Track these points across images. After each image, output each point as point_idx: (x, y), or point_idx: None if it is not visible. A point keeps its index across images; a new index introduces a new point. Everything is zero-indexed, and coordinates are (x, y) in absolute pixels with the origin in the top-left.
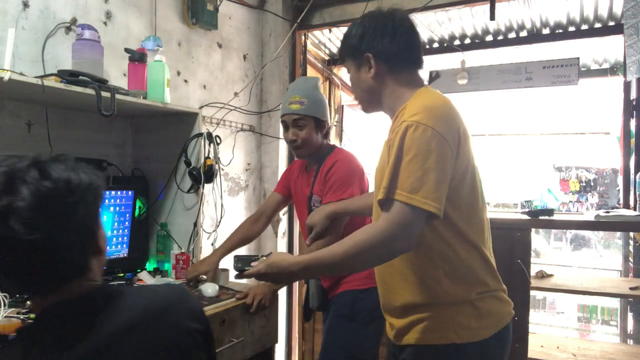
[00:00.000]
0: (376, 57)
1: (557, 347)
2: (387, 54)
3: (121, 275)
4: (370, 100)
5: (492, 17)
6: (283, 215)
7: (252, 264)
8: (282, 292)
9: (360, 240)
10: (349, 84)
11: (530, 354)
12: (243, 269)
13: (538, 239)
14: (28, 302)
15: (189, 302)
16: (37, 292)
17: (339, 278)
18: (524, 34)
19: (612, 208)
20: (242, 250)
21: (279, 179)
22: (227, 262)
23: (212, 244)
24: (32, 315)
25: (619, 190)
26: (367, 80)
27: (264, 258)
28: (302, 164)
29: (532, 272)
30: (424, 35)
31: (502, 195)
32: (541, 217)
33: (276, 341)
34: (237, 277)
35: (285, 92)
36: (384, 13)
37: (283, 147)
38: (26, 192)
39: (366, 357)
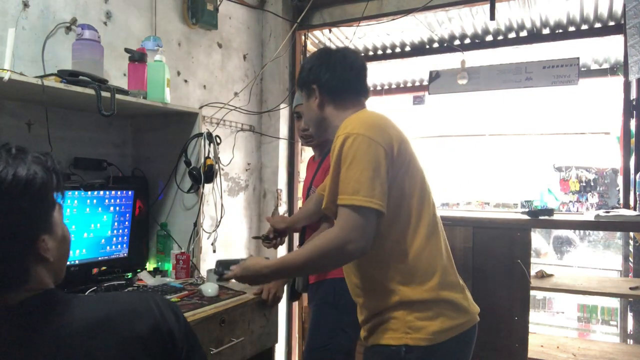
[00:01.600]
0: (320, 88)
1: (557, 347)
2: (328, 85)
3: (121, 275)
4: (318, 127)
5: (492, 17)
6: (283, 215)
7: (232, 267)
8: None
9: (318, 245)
10: None
11: (530, 354)
12: (222, 272)
13: (538, 239)
14: None
15: (143, 315)
16: None
17: None
18: (524, 34)
19: (612, 208)
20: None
21: (279, 178)
22: None
23: (212, 244)
24: None
25: (619, 190)
26: (314, 109)
27: (243, 262)
28: (313, 155)
29: (532, 272)
30: (424, 35)
31: (502, 195)
32: (541, 217)
33: (276, 341)
34: (217, 280)
35: (286, 92)
36: (331, 50)
37: (283, 147)
38: None
39: (349, 344)
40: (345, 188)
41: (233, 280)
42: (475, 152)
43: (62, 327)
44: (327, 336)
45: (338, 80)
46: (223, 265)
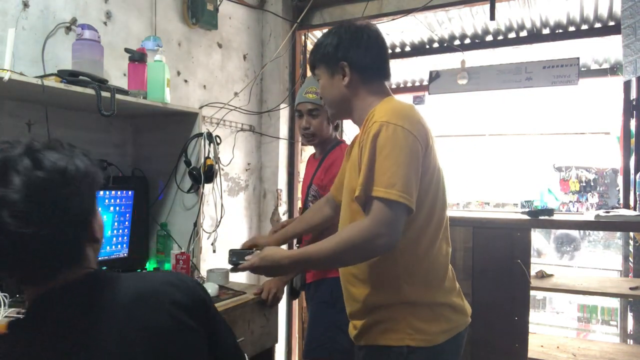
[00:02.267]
0: (351, 66)
1: (557, 347)
2: (361, 64)
3: None
4: (340, 107)
5: (492, 17)
6: (283, 215)
7: (246, 257)
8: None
9: (345, 238)
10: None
11: (530, 354)
12: (237, 262)
13: (539, 238)
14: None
15: (182, 284)
16: (29, 282)
17: None
18: (524, 34)
19: (612, 208)
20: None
21: (279, 178)
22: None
23: (212, 244)
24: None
25: (619, 190)
26: (340, 87)
27: (259, 252)
28: (314, 152)
29: (532, 272)
30: (424, 35)
31: (502, 195)
32: (541, 217)
33: (276, 341)
34: (232, 270)
35: (286, 92)
36: (359, 25)
37: (283, 147)
38: (18, 183)
39: (346, 342)
40: (381, 179)
41: (231, 280)
42: (475, 152)
43: (117, 298)
44: (325, 335)
45: (371, 59)
46: (237, 255)
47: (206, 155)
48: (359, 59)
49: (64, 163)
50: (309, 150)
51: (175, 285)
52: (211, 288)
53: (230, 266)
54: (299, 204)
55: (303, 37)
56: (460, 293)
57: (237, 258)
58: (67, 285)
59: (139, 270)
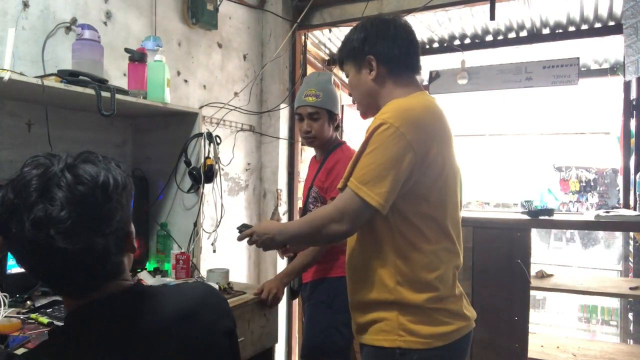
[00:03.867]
0: (378, 60)
1: (557, 347)
2: (388, 57)
3: None
4: (369, 103)
5: (492, 17)
6: (283, 215)
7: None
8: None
9: (312, 218)
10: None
11: (530, 354)
12: (242, 230)
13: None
14: (28, 302)
15: (220, 301)
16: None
17: (316, 263)
18: (524, 34)
19: (612, 208)
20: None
21: (279, 178)
22: (225, 264)
23: (212, 244)
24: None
25: (619, 190)
26: (368, 82)
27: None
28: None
29: (532, 272)
30: (424, 35)
31: (502, 195)
32: (541, 217)
33: (276, 341)
34: (238, 239)
35: (286, 92)
36: (385, 19)
37: (283, 147)
38: (62, 198)
39: (342, 342)
40: (358, 174)
41: (231, 279)
42: (475, 152)
43: (157, 314)
44: (322, 335)
45: (399, 51)
46: (245, 227)
47: (206, 155)
48: (386, 52)
49: (102, 177)
50: (309, 150)
51: (213, 305)
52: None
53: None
54: (299, 204)
55: (303, 37)
56: (463, 298)
57: (244, 228)
58: (108, 298)
59: (139, 271)
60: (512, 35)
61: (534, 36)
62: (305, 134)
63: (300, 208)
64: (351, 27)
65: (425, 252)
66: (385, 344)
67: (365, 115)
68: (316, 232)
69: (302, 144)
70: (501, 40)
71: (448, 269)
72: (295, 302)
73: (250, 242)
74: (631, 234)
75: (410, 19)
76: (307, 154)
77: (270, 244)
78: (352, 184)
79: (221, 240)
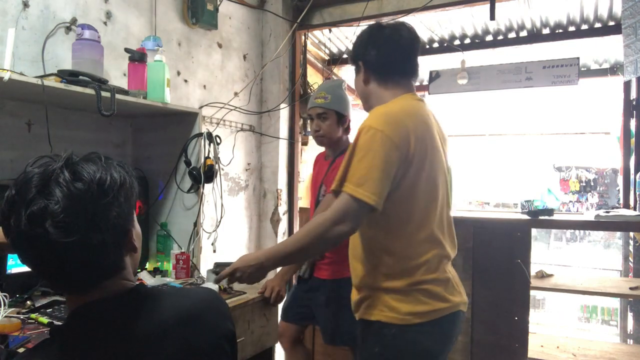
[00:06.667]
0: (365, 65)
1: (557, 347)
2: (374, 63)
3: None
4: (364, 101)
5: (492, 17)
6: (283, 215)
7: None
8: None
9: (310, 228)
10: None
11: (530, 354)
12: (218, 271)
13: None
14: (28, 302)
15: (223, 305)
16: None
17: (331, 262)
18: (524, 34)
19: (612, 208)
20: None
21: (279, 178)
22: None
23: (212, 244)
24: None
25: (619, 190)
26: (361, 84)
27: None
28: (325, 153)
29: (532, 272)
30: (424, 35)
31: (502, 195)
32: (541, 217)
33: (276, 341)
34: (215, 281)
35: (286, 92)
36: (383, 25)
37: (283, 147)
38: (59, 194)
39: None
40: (352, 177)
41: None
42: (475, 152)
43: (158, 315)
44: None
45: (383, 58)
46: (220, 267)
47: (206, 155)
48: (372, 58)
49: (101, 175)
50: (310, 150)
51: (215, 308)
52: (211, 288)
53: (213, 277)
54: (299, 204)
55: (303, 37)
56: (450, 283)
57: (220, 269)
58: (109, 298)
59: (139, 271)
60: (512, 35)
61: (534, 36)
62: (315, 132)
63: (311, 206)
64: (351, 27)
65: (407, 243)
66: (372, 318)
67: (365, 110)
68: (319, 239)
69: (302, 143)
70: (501, 40)
71: (433, 258)
72: None
73: (232, 280)
74: (631, 234)
75: (410, 19)
76: (307, 154)
77: (258, 274)
78: (349, 188)
79: (221, 240)
